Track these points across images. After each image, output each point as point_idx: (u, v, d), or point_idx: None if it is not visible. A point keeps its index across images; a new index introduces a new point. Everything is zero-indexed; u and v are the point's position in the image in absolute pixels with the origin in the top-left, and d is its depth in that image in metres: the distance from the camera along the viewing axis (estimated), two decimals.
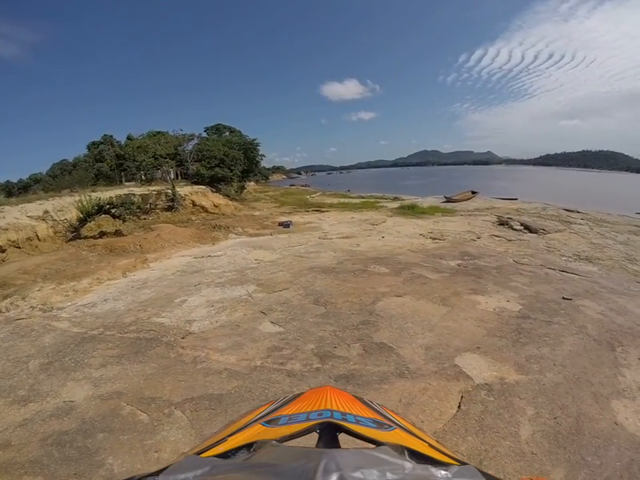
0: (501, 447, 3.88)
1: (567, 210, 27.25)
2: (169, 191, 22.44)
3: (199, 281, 8.83)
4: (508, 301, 7.80)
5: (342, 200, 33.60)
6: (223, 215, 22.45)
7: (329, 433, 0.70)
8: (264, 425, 0.80)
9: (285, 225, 17.75)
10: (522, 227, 19.39)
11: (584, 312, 7.65)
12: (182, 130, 29.80)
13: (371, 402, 1.07)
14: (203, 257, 11.55)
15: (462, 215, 22.59)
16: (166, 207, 21.92)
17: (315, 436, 0.72)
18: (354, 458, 0.50)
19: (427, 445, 0.78)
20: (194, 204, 23.33)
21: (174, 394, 4.38)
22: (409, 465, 0.51)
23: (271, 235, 15.76)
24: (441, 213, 23.26)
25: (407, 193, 41.18)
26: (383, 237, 15.13)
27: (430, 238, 15.38)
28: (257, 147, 34.72)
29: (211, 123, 44.39)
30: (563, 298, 8.32)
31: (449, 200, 29.46)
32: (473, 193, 33.85)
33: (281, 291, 7.95)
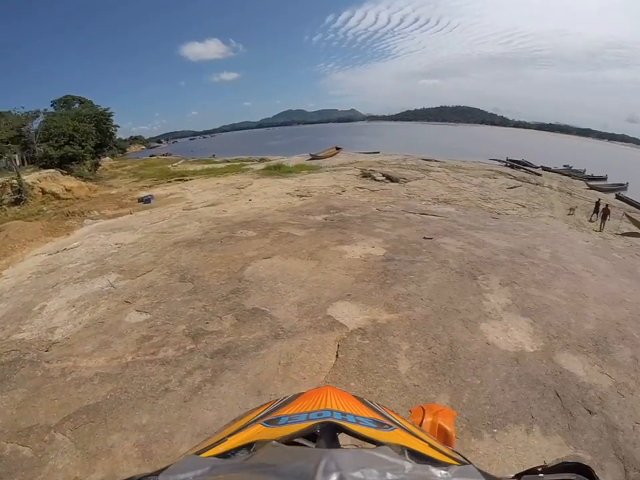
0: (383, 385, 4.13)
1: (426, 159, 30.04)
2: (15, 182, 20.23)
3: (57, 281, 8.14)
4: (373, 247, 8.32)
5: (206, 166, 33.87)
6: (77, 199, 21.09)
7: (329, 433, 0.70)
8: (264, 425, 0.82)
9: (146, 200, 17.44)
10: (384, 178, 20.91)
11: (444, 248, 8.42)
12: (24, 107, 27.98)
13: (371, 402, 1.10)
14: (58, 251, 10.72)
15: (327, 171, 23.73)
16: (12, 200, 19.67)
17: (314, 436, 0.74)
18: (354, 458, 0.51)
19: (427, 444, 0.80)
20: (43, 192, 21.37)
21: (50, 416, 4.15)
22: (408, 465, 0.52)
23: (131, 213, 15.30)
24: (307, 171, 23.98)
25: (273, 153, 41.38)
26: (250, 200, 15.13)
27: (297, 196, 15.75)
28: (110, 118, 32.35)
29: (59, 95, 38.65)
30: (424, 238, 9.06)
31: (314, 157, 30.79)
32: (337, 149, 35.99)
33: (144, 274, 7.70)
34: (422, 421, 1.31)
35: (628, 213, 19.26)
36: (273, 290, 6.34)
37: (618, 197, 28.21)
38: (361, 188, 18.00)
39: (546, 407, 3.97)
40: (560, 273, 8.06)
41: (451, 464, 0.62)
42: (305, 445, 0.77)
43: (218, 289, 6.56)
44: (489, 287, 6.56)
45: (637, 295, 8.10)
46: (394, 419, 0.98)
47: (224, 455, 0.66)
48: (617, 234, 16.80)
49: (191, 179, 24.28)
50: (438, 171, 24.91)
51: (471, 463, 0.64)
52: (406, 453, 0.63)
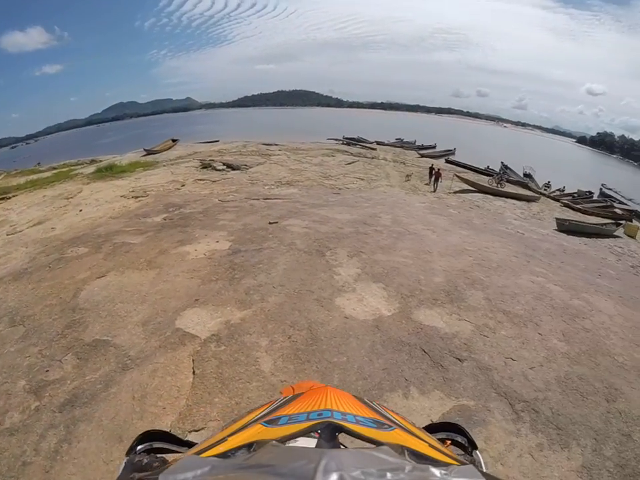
0: (250, 391, 3.86)
1: (266, 144, 30.20)
2: None
3: None
4: (217, 242, 7.83)
5: (31, 177, 29.45)
6: None
7: (329, 433, 0.71)
8: (264, 425, 0.82)
9: None
10: (225, 167, 20.44)
11: (290, 230, 8.27)
12: None
13: (371, 402, 1.08)
14: None
15: (165, 166, 22.48)
16: None
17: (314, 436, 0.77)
18: (354, 458, 0.51)
19: (427, 444, 0.79)
20: None
21: None
22: (409, 465, 0.51)
23: None
24: (142, 168, 22.28)
25: (105, 152, 37.38)
26: (81, 211, 13.27)
27: (132, 197, 14.39)
28: None
29: None
30: (270, 223, 8.82)
31: (149, 152, 29.12)
32: (174, 141, 34.16)
33: None
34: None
35: (457, 174, 21.70)
36: (112, 313, 5.57)
37: (447, 161, 31.60)
38: (201, 180, 17.16)
39: (417, 366, 4.05)
40: (403, 235, 8.49)
41: (451, 464, 0.62)
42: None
43: (52, 325, 5.59)
44: (338, 261, 6.56)
45: (476, 242, 8.93)
46: (394, 419, 0.97)
47: (224, 455, 0.65)
48: (449, 193, 18.84)
49: (14, 196, 20.72)
50: (279, 155, 25.11)
51: (470, 463, 0.62)
52: (406, 453, 0.63)
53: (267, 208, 10.51)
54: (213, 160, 22.02)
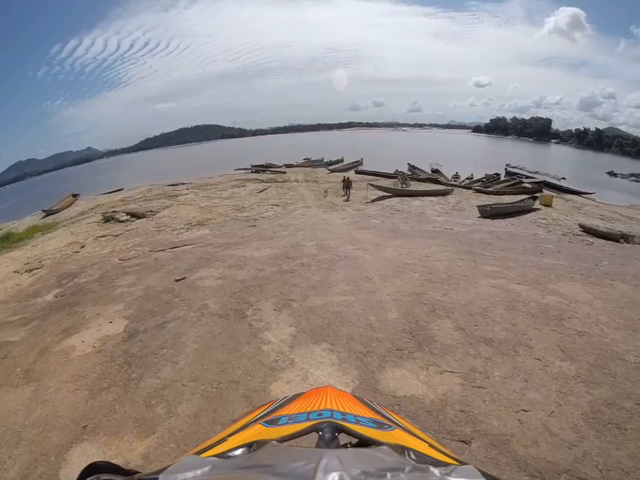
0: None
1: (172, 185, 28.31)
2: None
3: None
4: (111, 322, 6.00)
5: None
6: None
7: (329, 433, 0.71)
8: (264, 425, 0.84)
9: None
10: (129, 216, 18.41)
11: (201, 286, 6.72)
12: None
13: (371, 402, 1.13)
14: None
15: (65, 225, 20.01)
16: None
17: (315, 436, 0.72)
18: (354, 458, 0.52)
19: (427, 444, 0.80)
20: None
21: None
22: (408, 464, 0.52)
23: None
24: (40, 232, 19.57)
25: (5, 219, 33.39)
26: None
27: (26, 272, 11.97)
28: None
29: None
30: (176, 280, 7.18)
31: (49, 212, 26.51)
32: (74, 195, 31.67)
33: None
34: None
35: (370, 182, 21.14)
36: None
37: (357, 172, 31.47)
38: (103, 236, 15.05)
39: None
40: (333, 263, 7.33)
41: (451, 464, 0.63)
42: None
43: None
44: (264, 321, 5.10)
45: (413, 252, 8.11)
46: (394, 419, 0.99)
47: (224, 455, 0.66)
48: (367, 202, 18.10)
49: None
50: (187, 194, 23.33)
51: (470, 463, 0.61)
52: (406, 452, 0.63)
53: (174, 259, 8.85)
54: (115, 211, 19.77)
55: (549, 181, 28.18)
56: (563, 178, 28.64)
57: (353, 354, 4.14)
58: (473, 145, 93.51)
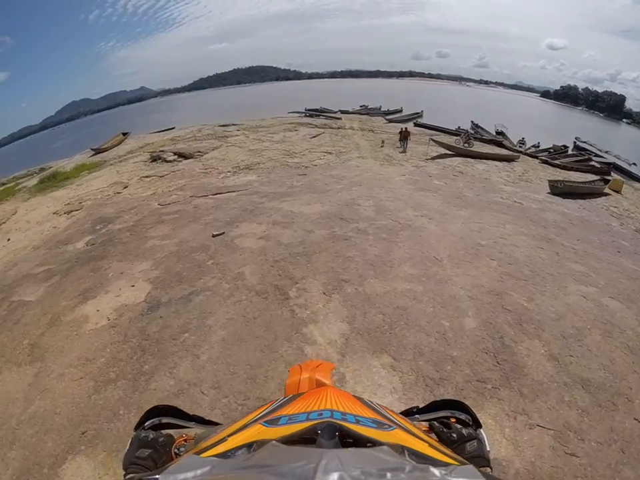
0: None
1: (223, 125, 27.37)
2: None
3: None
4: (133, 286, 5.29)
5: None
6: None
7: (329, 433, 0.70)
8: (264, 425, 0.82)
9: None
10: (176, 156, 17.79)
11: (240, 246, 5.94)
12: None
13: (371, 402, 1.08)
14: None
15: (112, 165, 19.38)
16: None
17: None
18: (354, 458, 0.52)
19: (427, 444, 0.79)
20: None
21: None
22: (408, 464, 0.51)
23: None
24: (87, 171, 19.08)
25: (58, 157, 33.32)
26: (9, 240, 10.38)
27: (65, 213, 11.66)
28: None
29: None
30: (213, 235, 6.41)
31: (97, 151, 25.87)
32: (124, 134, 30.63)
33: None
34: (300, 378, 1.32)
35: (432, 137, 19.37)
36: None
37: (416, 125, 29.23)
38: (147, 177, 14.47)
39: None
40: (395, 232, 6.45)
41: (451, 464, 0.63)
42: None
43: None
44: (309, 309, 4.20)
45: (485, 230, 7.21)
46: (394, 419, 0.97)
47: (224, 455, 0.66)
48: (427, 159, 16.60)
49: None
50: (237, 135, 22.39)
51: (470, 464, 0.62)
52: (406, 452, 0.63)
53: (215, 209, 8.10)
54: (163, 151, 19.12)
55: (618, 164, 25.15)
56: (634, 164, 25.76)
57: (421, 378, 3.22)
58: (540, 110, 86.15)
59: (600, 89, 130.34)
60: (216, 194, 9.57)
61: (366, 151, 17.70)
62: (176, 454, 0.95)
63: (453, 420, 1.02)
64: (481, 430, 0.98)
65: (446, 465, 0.57)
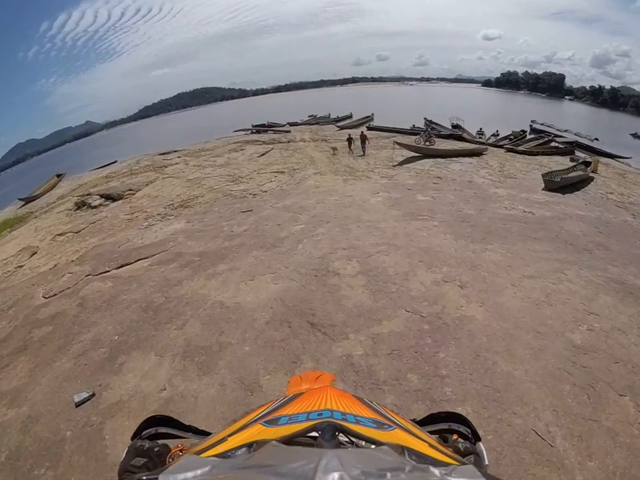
0: None
1: (163, 154, 24.26)
2: None
3: None
4: None
5: None
6: None
7: (329, 433, 0.69)
8: (264, 425, 0.81)
9: None
10: (103, 200, 14.68)
11: (110, 445, 2.93)
12: None
13: (371, 402, 1.06)
14: None
15: (36, 217, 16.41)
16: None
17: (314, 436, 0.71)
18: (354, 458, 0.51)
19: (427, 444, 0.78)
20: None
21: None
22: (408, 464, 0.51)
23: None
24: (9, 229, 15.90)
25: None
26: None
27: None
28: None
29: None
30: (76, 405, 3.50)
31: (26, 201, 22.97)
32: (59, 176, 27.73)
33: None
34: (300, 389, 1.29)
35: (396, 140, 16.87)
36: None
37: (369, 128, 27.14)
38: (62, 235, 11.46)
39: None
40: (431, 362, 3.68)
41: (451, 464, 0.61)
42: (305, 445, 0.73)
43: None
44: None
45: (549, 292, 4.78)
46: (394, 419, 0.96)
47: (224, 455, 0.65)
48: (394, 166, 14.07)
49: None
50: (177, 164, 19.39)
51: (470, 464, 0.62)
52: (406, 453, 0.62)
53: (104, 308, 5.37)
54: (90, 194, 15.96)
55: (580, 141, 24.40)
56: (596, 139, 25.01)
57: None
58: (485, 99, 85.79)
59: (538, 71, 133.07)
60: (121, 266, 6.72)
61: (323, 164, 14.98)
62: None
63: (455, 436, 0.94)
64: (480, 443, 0.92)
65: (446, 464, 0.56)
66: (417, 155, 15.78)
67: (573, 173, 13.27)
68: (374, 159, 15.43)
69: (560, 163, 16.16)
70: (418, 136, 20.88)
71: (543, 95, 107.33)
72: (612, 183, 13.20)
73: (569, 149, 20.46)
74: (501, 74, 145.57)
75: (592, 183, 12.97)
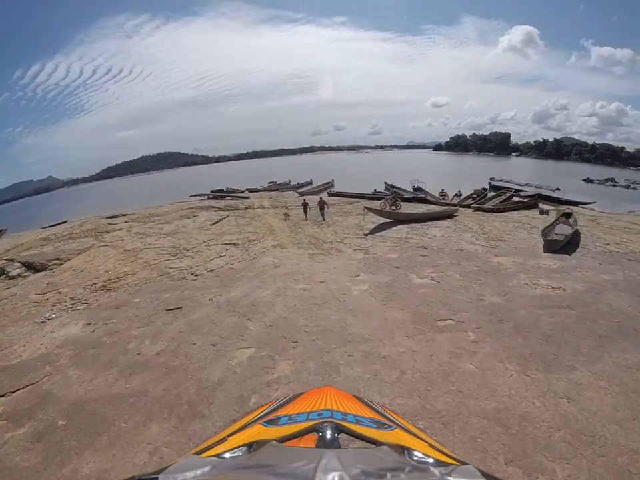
0: None
1: (111, 217, 21.67)
2: None
3: None
4: None
5: None
6: None
7: (329, 433, 0.68)
8: (264, 425, 0.80)
9: None
10: (23, 269, 12.03)
11: None
12: None
13: (371, 402, 1.06)
14: None
15: None
16: None
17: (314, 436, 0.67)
18: (354, 458, 0.49)
19: (427, 444, 0.76)
20: None
21: None
22: (408, 464, 0.49)
23: None
24: None
25: None
26: None
27: None
28: None
29: None
30: None
31: None
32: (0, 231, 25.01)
33: None
34: None
35: (366, 206, 14.86)
36: None
37: (330, 194, 25.99)
38: None
39: None
40: None
41: (451, 464, 0.60)
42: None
43: None
44: None
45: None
46: (394, 419, 0.94)
47: (224, 455, 0.63)
48: (365, 235, 12.00)
49: None
50: (120, 229, 16.69)
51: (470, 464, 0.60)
52: (406, 453, 0.61)
53: None
54: (12, 260, 13.10)
55: (543, 193, 24.45)
56: (557, 188, 25.41)
57: None
58: (438, 162, 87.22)
59: (484, 132, 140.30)
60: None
61: (283, 235, 12.68)
62: None
63: None
64: None
65: (446, 464, 0.54)
66: (387, 220, 13.84)
67: (563, 229, 11.83)
68: (341, 227, 13.31)
69: (531, 217, 15.21)
70: (383, 200, 19.61)
71: (491, 154, 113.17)
72: (597, 232, 12.01)
73: (532, 202, 20.02)
74: (450, 138, 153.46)
75: (583, 234, 11.55)
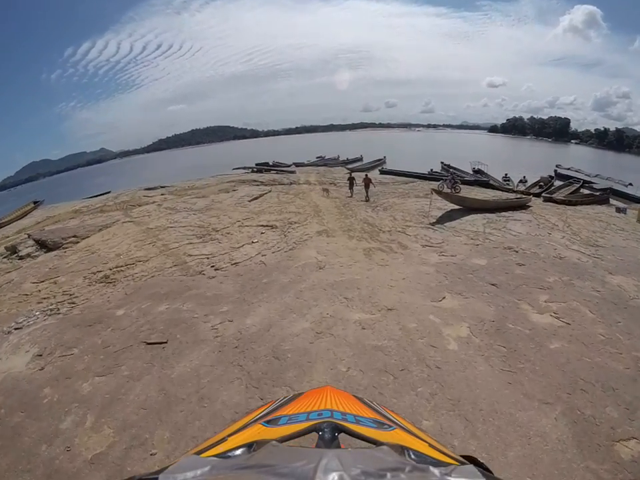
0: None
1: (149, 189, 20.17)
2: None
3: None
4: None
5: None
6: None
7: (329, 433, 0.67)
8: (264, 425, 0.78)
9: None
10: (36, 247, 10.95)
11: None
12: None
13: (371, 402, 1.03)
14: None
15: None
16: None
17: (314, 436, 0.67)
18: (354, 458, 0.49)
19: (427, 444, 0.75)
20: None
21: None
22: (408, 464, 0.50)
23: None
24: None
25: None
26: None
27: None
28: None
29: None
30: None
31: None
32: (35, 203, 23.76)
33: None
34: None
35: (434, 188, 12.24)
36: None
37: (382, 172, 23.58)
38: None
39: None
40: None
41: (451, 464, 0.59)
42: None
43: None
44: None
45: None
46: (394, 419, 0.92)
47: (224, 455, 0.63)
48: (433, 224, 9.76)
49: None
50: (153, 202, 15.20)
51: (470, 464, 0.59)
52: (406, 452, 0.60)
53: None
54: (29, 237, 12.16)
55: (615, 188, 21.12)
56: (630, 184, 21.64)
57: None
58: (494, 145, 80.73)
59: (543, 117, 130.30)
60: None
61: (331, 217, 10.60)
62: None
63: None
64: None
65: (446, 464, 0.54)
66: (456, 207, 11.39)
67: None
68: (400, 212, 11.02)
69: (609, 214, 12.72)
70: (440, 182, 17.03)
71: (549, 140, 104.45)
72: None
73: (604, 196, 17.64)
74: (507, 120, 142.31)
75: None
